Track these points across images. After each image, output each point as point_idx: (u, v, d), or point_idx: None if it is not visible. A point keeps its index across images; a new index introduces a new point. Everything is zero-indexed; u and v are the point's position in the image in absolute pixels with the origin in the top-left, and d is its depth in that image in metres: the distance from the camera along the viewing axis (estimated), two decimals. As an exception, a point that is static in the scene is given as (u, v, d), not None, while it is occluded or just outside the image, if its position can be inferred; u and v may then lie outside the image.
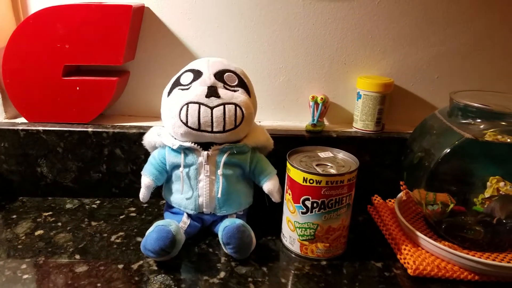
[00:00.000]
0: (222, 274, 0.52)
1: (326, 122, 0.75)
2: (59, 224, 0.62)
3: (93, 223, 0.63)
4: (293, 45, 0.70)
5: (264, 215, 0.64)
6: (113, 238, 0.59)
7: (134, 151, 0.67)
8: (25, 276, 0.50)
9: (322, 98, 0.69)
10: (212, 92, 0.54)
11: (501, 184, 0.56)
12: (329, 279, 0.52)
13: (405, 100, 0.73)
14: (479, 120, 0.54)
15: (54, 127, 0.66)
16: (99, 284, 0.49)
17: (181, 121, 0.54)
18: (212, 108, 0.53)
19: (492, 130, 0.53)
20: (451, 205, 0.57)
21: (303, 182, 0.53)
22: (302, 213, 0.54)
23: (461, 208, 0.58)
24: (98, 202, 0.69)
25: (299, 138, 0.69)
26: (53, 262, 0.53)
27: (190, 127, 0.54)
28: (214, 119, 0.53)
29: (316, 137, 0.69)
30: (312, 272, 0.53)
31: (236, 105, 0.54)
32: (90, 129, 0.66)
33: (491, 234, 0.56)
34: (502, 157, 0.56)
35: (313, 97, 0.69)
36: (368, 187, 0.71)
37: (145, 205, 0.69)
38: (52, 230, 0.61)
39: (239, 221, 0.54)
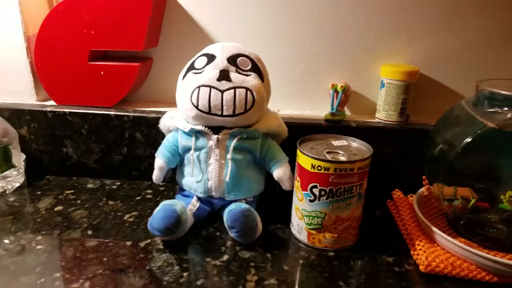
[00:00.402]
0: (225, 257, 0.52)
1: (348, 112, 0.73)
2: (78, 201, 0.65)
3: (110, 202, 0.65)
4: (314, 31, 0.69)
5: (276, 203, 0.63)
6: (126, 217, 0.61)
7: (153, 135, 0.69)
8: (38, 247, 0.53)
9: (342, 86, 0.67)
10: (223, 75, 0.54)
11: (532, 180, 0.52)
12: (335, 269, 0.50)
13: (433, 90, 0.69)
14: (506, 109, 0.50)
15: (79, 109, 0.69)
16: (105, 259, 0.51)
17: (192, 104, 0.54)
18: (222, 92, 0.53)
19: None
20: (473, 201, 0.53)
21: (311, 168, 0.51)
22: (310, 201, 0.53)
23: (485, 205, 0.54)
24: (118, 183, 0.72)
25: (316, 127, 0.67)
26: (66, 236, 0.56)
27: (200, 110, 0.54)
28: (224, 103, 0.53)
29: (334, 126, 0.67)
30: (318, 261, 0.52)
31: (247, 89, 0.54)
32: (112, 112, 0.69)
33: (516, 234, 0.51)
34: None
35: (332, 85, 0.67)
36: (389, 181, 0.68)
37: (161, 188, 0.70)
38: (71, 206, 0.63)
39: (244, 205, 0.54)
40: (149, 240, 0.55)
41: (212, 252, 0.53)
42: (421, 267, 0.49)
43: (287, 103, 0.74)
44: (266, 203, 0.63)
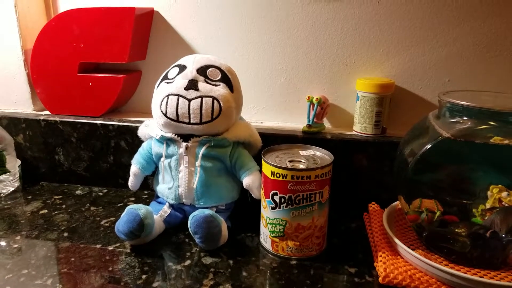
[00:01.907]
0: (187, 262, 0.53)
1: (328, 124, 0.73)
2: (63, 206, 0.68)
3: (92, 208, 0.68)
4: (293, 46, 0.70)
5: (249, 212, 0.64)
6: (103, 222, 0.63)
7: (137, 144, 0.71)
8: (15, 246, 0.56)
9: (317, 98, 0.67)
10: (191, 85, 0.56)
11: (504, 194, 0.50)
12: (292, 277, 0.50)
13: (411, 103, 0.69)
14: (466, 118, 0.49)
15: (69, 118, 0.73)
16: (72, 259, 0.53)
17: (161, 111, 0.56)
18: (190, 100, 0.55)
19: (481, 127, 0.48)
20: (438, 213, 0.52)
21: (271, 176, 0.52)
22: (272, 208, 0.53)
23: (453, 218, 0.53)
24: (105, 190, 0.75)
25: (293, 138, 0.68)
26: (43, 236, 0.59)
27: (169, 118, 0.56)
28: (191, 111, 0.55)
29: (311, 138, 0.67)
30: (278, 269, 0.52)
31: (214, 98, 0.56)
32: (99, 122, 0.72)
33: (481, 248, 0.50)
34: (499, 162, 0.50)
35: (308, 97, 0.68)
36: (367, 194, 0.67)
37: (144, 196, 0.72)
38: (55, 210, 0.67)
39: (208, 212, 0.55)
40: (118, 244, 0.57)
41: (176, 257, 0.54)
42: (379, 279, 0.49)
43: (271, 116, 0.75)
44: (239, 211, 0.63)
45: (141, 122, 0.71)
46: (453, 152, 0.51)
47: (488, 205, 0.51)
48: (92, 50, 0.69)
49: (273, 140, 0.66)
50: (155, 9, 0.72)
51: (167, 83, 0.58)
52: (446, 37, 0.65)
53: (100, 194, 0.73)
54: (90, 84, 0.71)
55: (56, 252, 0.55)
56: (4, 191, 0.72)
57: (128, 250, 0.55)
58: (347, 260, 0.54)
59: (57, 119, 0.73)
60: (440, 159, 0.50)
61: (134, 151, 0.71)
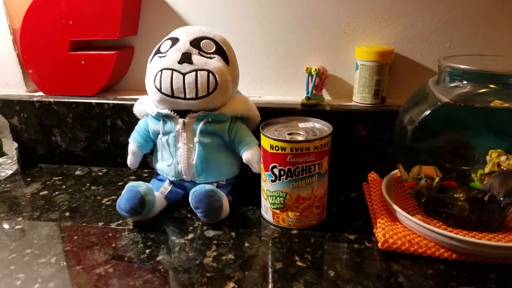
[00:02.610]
0: (190, 236, 0.54)
1: (327, 96, 0.73)
2: (64, 187, 0.68)
3: (93, 188, 0.68)
4: (290, 15, 0.69)
5: (250, 186, 0.64)
6: (104, 200, 0.63)
7: (134, 122, 0.70)
8: (17, 227, 0.56)
9: (316, 69, 0.66)
10: (185, 58, 0.55)
11: (503, 158, 0.51)
12: (293, 246, 0.51)
13: (411, 71, 0.68)
14: (466, 83, 0.49)
15: (63, 98, 0.72)
16: (75, 237, 0.54)
17: (156, 87, 0.55)
18: (184, 74, 0.54)
19: (481, 91, 0.48)
20: (437, 179, 0.52)
21: (270, 149, 0.52)
22: (272, 181, 0.54)
23: (452, 183, 0.53)
24: (104, 170, 0.75)
25: (291, 111, 0.67)
26: (44, 217, 0.59)
27: (163, 93, 0.55)
28: (186, 86, 0.54)
29: (310, 111, 0.67)
30: (279, 239, 0.53)
31: (209, 71, 0.55)
32: (93, 101, 0.71)
33: (479, 212, 0.50)
34: (499, 126, 0.50)
35: (307, 68, 0.67)
36: (367, 163, 0.68)
37: (145, 174, 0.72)
38: (55, 191, 0.67)
39: (209, 187, 0.55)
40: (121, 221, 0.57)
41: (179, 232, 0.55)
42: (379, 244, 0.49)
43: (269, 89, 0.74)
44: (241, 186, 0.64)
45: (136, 99, 0.71)
46: (452, 118, 0.51)
47: (487, 170, 0.51)
48: (82, 26, 0.68)
49: (272, 114, 0.65)
50: (144, -18, 0.70)
51: (160, 57, 0.57)
52: (445, 2, 0.64)
53: (100, 174, 0.73)
54: (82, 62, 0.70)
55: (59, 231, 0.55)
56: (2, 174, 0.72)
57: (131, 227, 0.56)
58: (347, 228, 0.55)
59: (51, 99, 0.72)
60: (439, 125, 0.50)
61: (132, 129, 0.71)
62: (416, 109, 0.54)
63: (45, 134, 0.75)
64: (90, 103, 0.71)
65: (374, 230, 0.53)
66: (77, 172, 0.74)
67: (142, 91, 0.77)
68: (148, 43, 0.75)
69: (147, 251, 0.50)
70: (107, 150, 0.74)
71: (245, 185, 0.64)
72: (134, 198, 0.53)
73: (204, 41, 0.57)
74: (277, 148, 0.51)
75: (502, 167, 0.50)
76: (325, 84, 0.70)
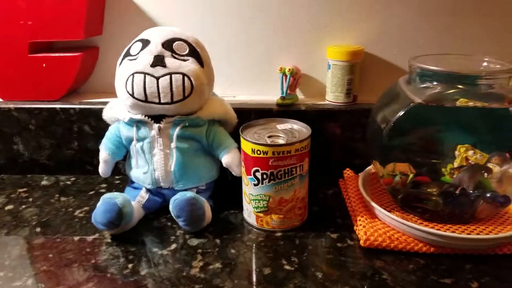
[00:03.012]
0: (173, 246, 0.52)
1: (301, 95, 0.73)
2: (30, 199, 0.64)
3: (62, 199, 0.65)
4: (260, 14, 0.68)
5: (229, 189, 0.64)
6: (76, 212, 0.61)
7: (103, 127, 0.67)
8: (-16, 247, 0.53)
9: (290, 69, 0.67)
10: (157, 61, 0.53)
11: (470, 152, 0.53)
12: (279, 249, 0.51)
13: (381, 69, 0.70)
14: (436, 83, 0.51)
15: (24, 104, 0.68)
16: (50, 255, 0.51)
17: (128, 92, 0.53)
18: (157, 78, 0.52)
19: (449, 92, 0.50)
20: (411, 175, 0.54)
21: (252, 153, 0.52)
22: (254, 185, 0.53)
23: (425, 179, 0.55)
24: (73, 179, 0.71)
25: (267, 111, 0.67)
26: (14, 234, 0.55)
27: (136, 98, 0.53)
28: (160, 90, 0.52)
29: (285, 111, 0.67)
30: (264, 243, 0.53)
31: (184, 74, 0.53)
32: (58, 106, 0.67)
33: (452, 205, 0.53)
34: (466, 123, 0.53)
35: (281, 68, 0.67)
36: (341, 161, 0.69)
37: (116, 181, 0.70)
38: (22, 205, 0.63)
39: (190, 194, 0.54)
40: (97, 235, 0.55)
41: (160, 242, 0.53)
42: (361, 242, 0.51)
43: (243, 89, 0.74)
44: (220, 189, 0.63)
45: (105, 103, 0.68)
46: (424, 116, 0.53)
47: (456, 164, 0.53)
48: (43, 27, 0.63)
49: (247, 115, 0.65)
50: (107, -20, 0.67)
51: (130, 60, 0.55)
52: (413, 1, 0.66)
53: (68, 183, 0.70)
54: (44, 65, 0.66)
55: (31, 249, 0.52)
56: (-41, 188, 0.67)
57: (109, 240, 0.54)
58: (328, 226, 0.56)
59: (11, 106, 0.68)
60: (412, 123, 0.52)
61: (100, 135, 0.68)
62: (388, 108, 0.56)
63: (5, 142, 0.70)
64: (54, 108, 0.67)
65: (355, 228, 0.54)
66: (43, 182, 0.70)
67: (109, 93, 0.74)
68: (114, 43, 0.71)
69: (130, 265, 0.49)
70: (75, 157, 0.71)
71: (224, 188, 0.63)
72: (111, 211, 0.51)
73: (176, 42, 0.55)
74: (258, 152, 0.51)
75: (470, 161, 0.53)
76: (299, 83, 0.70)
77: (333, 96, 0.68)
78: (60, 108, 0.67)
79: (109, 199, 0.52)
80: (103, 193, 0.65)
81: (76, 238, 0.54)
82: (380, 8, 0.67)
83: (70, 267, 0.49)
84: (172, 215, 0.55)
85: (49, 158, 0.71)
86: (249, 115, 0.65)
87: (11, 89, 0.68)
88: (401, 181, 0.55)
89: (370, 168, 0.65)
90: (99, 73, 0.74)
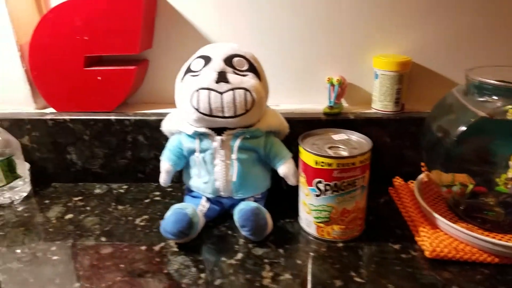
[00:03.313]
0: (239, 256, 0.54)
1: (345, 104, 0.74)
2: (88, 208, 0.66)
3: (120, 207, 0.66)
4: (306, 24, 0.69)
5: (283, 198, 0.65)
6: (137, 221, 0.62)
7: (156, 137, 0.70)
8: (55, 258, 0.54)
9: (338, 79, 0.68)
10: (221, 77, 0.54)
11: (526, 162, 0.54)
12: (345, 260, 0.53)
13: (426, 78, 0.71)
14: (495, 97, 0.52)
15: (80, 116, 0.69)
16: (122, 265, 0.52)
17: (193, 107, 0.55)
18: (222, 94, 0.54)
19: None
20: (471, 186, 0.55)
21: (315, 165, 0.53)
22: (316, 195, 0.55)
23: (482, 189, 0.56)
24: (125, 187, 0.73)
25: (316, 121, 0.68)
26: (80, 244, 0.57)
27: (202, 113, 0.55)
28: (224, 104, 0.54)
29: (333, 120, 0.68)
30: (328, 253, 0.54)
31: (245, 89, 0.54)
32: (113, 117, 0.69)
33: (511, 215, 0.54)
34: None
35: (329, 78, 0.68)
36: (389, 169, 0.70)
37: (169, 189, 0.71)
38: (81, 214, 0.65)
39: (254, 204, 0.56)
40: (163, 244, 0.56)
41: (226, 251, 0.55)
42: (427, 253, 0.52)
43: (285, 97, 0.75)
44: (273, 197, 0.64)
45: (157, 114, 0.70)
46: (485, 129, 0.53)
47: (510, 174, 0.54)
48: (99, 42, 0.65)
49: (295, 123, 0.66)
50: (159, -7, 0.68)
51: (193, 76, 0.56)
52: (458, 12, 0.67)
53: (122, 191, 0.71)
54: (99, 78, 0.67)
55: (102, 259, 0.54)
56: (17, 197, 0.69)
57: (176, 249, 0.55)
58: (387, 236, 0.57)
59: (66, 117, 0.69)
60: (475, 137, 0.53)
61: (154, 144, 0.70)
62: (446, 119, 0.57)
63: (59, 152, 0.72)
64: (109, 119, 0.69)
65: (417, 238, 0.55)
66: (97, 191, 0.72)
67: (157, 103, 0.76)
68: (163, 56, 0.73)
69: (202, 275, 0.50)
70: (128, 166, 0.72)
71: (275, 197, 0.64)
72: (182, 221, 0.53)
73: (236, 58, 0.57)
74: (322, 164, 0.52)
75: (525, 172, 0.54)
76: (345, 93, 0.71)
77: (381, 105, 0.69)
78: (116, 119, 0.69)
79: (180, 209, 0.54)
80: (158, 201, 0.67)
81: (142, 248, 0.56)
82: (425, 18, 0.67)
83: (145, 277, 0.50)
84: (237, 224, 0.56)
85: (102, 167, 0.73)
86: (296, 124, 0.65)
87: (66, 101, 0.70)
88: (460, 191, 0.56)
89: (422, 177, 0.65)
90: (148, 84, 0.75)
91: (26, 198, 0.70)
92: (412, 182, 0.68)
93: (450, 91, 0.60)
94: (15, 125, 0.70)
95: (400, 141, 0.69)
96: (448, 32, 0.68)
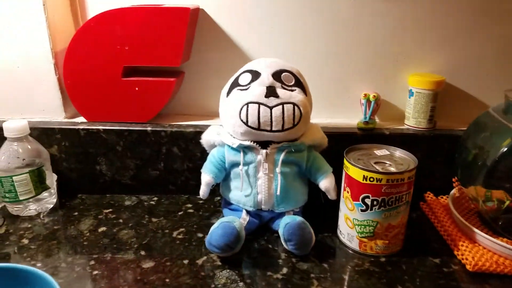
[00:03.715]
0: (284, 270, 0.54)
1: (377, 120, 0.75)
2: (120, 220, 0.65)
3: (154, 220, 0.65)
4: (343, 41, 0.71)
5: (319, 211, 0.65)
6: (174, 234, 0.61)
7: (191, 149, 0.69)
8: (95, 272, 0.53)
9: (374, 95, 0.69)
10: (271, 92, 0.55)
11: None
12: (390, 275, 0.53)
13: (456, 97, 0.73)
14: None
15: (114, 126, 0.69)
16: (167, 280, 0.52)
17: (241, 120, 0.55)
18: (271, 108, 0.54)
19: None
20: (507, 202, 0.57)
21: (363, 180, 0.54)
22: (362, 210, 0.55)
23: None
24: (155, 199, 0.72)
25: (351, 135, 0.69)
26: (119, 258, 0.56)
27: (250, 127, 0.55)
28: (273, 119, 0.55)
29: (368, 134, 0.69)
30: (372, 268, 0.54)
31: (294, 104, 0.55)
32: (149, 128, 0.68)
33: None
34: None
35: (365, 94, 0.70)
36: (419, 184, 0.71)
37: (201, 201, 0.71)
38: (115, 226, 0.63)
39: (299, 218, 0.56)
40: (205, 257, 0.56)
41: (270, 266, 0.54)
42: (468, 267, 0.53)
43: (317, 112, 0.75)
44: (309, 211, 0.64)
45: (193, 126, 0.70)
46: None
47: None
48: (140, 53, 0.65)
49: (331, 138, 0.66)
50: (200, 7, 0.69)
51: (241, 90, 0.57)
52: (489, 33, 0.69)
53: (152, 203, 0.70)
54: (137, 88, 0.67)
55: (145, 273, 0.53)
56: (43, 209, 0.67)
57: (219, 263, 0.55)
58: (426, 251, 0.58)
59: (100, 127, 0.68)
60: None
61: (188, 156, 0.70)
62: (483, 137, 0.59)
63: (88, 163, 0.71)
64: (145, 130, 0.68)
65: (456, 253, 0.56)
66: (127, 202, 0.71)
67: (190, 115, 0.76)
68: (198, 69, 0.73)
69: (252, 290, 0.50)
70: (159, 177, 0.72)
71: (310, 210, 0.64)
72: (230, 235, 0.53)
73: (284, 73, 0.58)
74: (371, 179, 0.53)
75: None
76: (379, 108, 0.72)
77: (415, 122, 0.70)
78: (152, 130, 0.68)
79: (228, 223, 0.53)
80: (192, 213, 0.67)
81: (185, 262, 0.55)
82: (459, 39, 0.70)
83: (194, 292, 0.50)
84: (282, 238, 0.56)
85: (132, 178, 0.72)
86: (332, 138, 0.66)
87: (99, 110, 0.69)
88: (497, 207, 0.58)
89: (454, 192, 0.67)
90: (182, 96, 0.75)
91: (53, 210, 0.68)
92: (442, 197, 0.69)
93: (486, 110, 0.62)
94: (44, 134, 0.69)
95: (431, 156, 0.70)
96: (482, 52, 0.71)
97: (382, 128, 0.71)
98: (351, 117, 0.74)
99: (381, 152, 0.60)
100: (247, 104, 0.55)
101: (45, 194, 0.67)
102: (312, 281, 0.52)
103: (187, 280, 0.52)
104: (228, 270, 0.53)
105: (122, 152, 0.70)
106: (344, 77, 0.73)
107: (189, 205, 0.69)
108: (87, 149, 0.70)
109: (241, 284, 0.51)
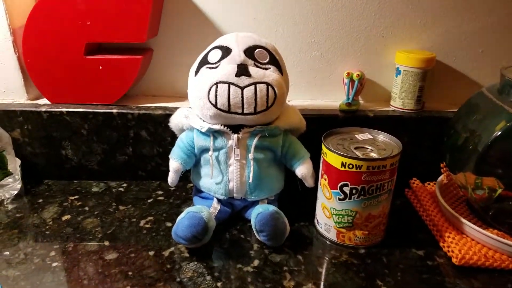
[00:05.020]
0: (256, 262, 0.50)
1: (361, 101, 0.71)
2: (86, 208, 0.61)
3: (121, 207, 0.61)
4: (326, 17, 0.65)
5: (296, 200, 0.62)
6: (142, 223, 0.58)
7: (160, 133, 0.65)
8: (54, 264, 0.49)
9: (358, 74, 0.64)
10: (242, 70, 0.50)
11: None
12: (369, 268, 0.50)
13: (447, 76, 0.68)
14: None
15: (78, 108, 0.64)
16: (130, 273, 0.48)
17: (210, 102, 0.50)
18: (242, 88, 0.50)
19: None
20: (499, 190, 0.53)
21: (341, 167, 0.49)
22: (340, 199, 0.51)
23: (509, 193, 0.54)
24: (124, 185, 0.68)
25: (332, 118, 0.65)
26: (81, 249, 0.52)
27: (219, 109, 0.50)
28: (245, 100, 0.50)
29: (351, 117, 0.65)
30: (350, 260, 0.51)
31: (268, 84, 0.50)
32: (114, 110, 0.64)
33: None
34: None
35: (348, 73, 0.65)
36: (405, 169, 0.67)
37: (172, 188, 0.67)
38: (80, 215, 0.59)
39: (272, 208, 0.52)
40: (172, 248, 0.52)
41: (241, 257, 0.51)
42: (455, 260, 0.49)
43: (298, 93, 0.71)
44: (285, 199, 0.61)
45: (163, 108, 0.65)
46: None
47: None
48: (102, 28, 0.59)
49: (311, 121, 0.62)
50: (168, -23, 0.63)
51: (210, 68, 0.52)
52: (482, 7, 0.64)
53: (121, 189, 0.66)
54: (101, 67, 0.62)
55: (107, 266, 0.49)
56: (7, 195, 0.63)
57: (187, 255, 0.51)
58: (410, 242, 0.54)
59: (63, 109, 0.64)
60: (509, 138, 0.50)
61: (157, 140, 0.66)
62: (475, 120, 0.54)
63: (53, 147, 0.66)
64: (111, 113, 0.64)
65: (442, 244, 0.53)
66: (94, 189, 0.66)
67: (159, 96, 0.71)
68: (168, 45, 0.68)
69: (219, 284, 0.46)
70: (128, 163, 0.67)
71: (287, 198, 0.61)
72: (197, 226, 0.49)
73: (257, 50, 0.52)
74: (350, 166, 0.49)
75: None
76: (363, 88, 0.68)
77: (401, 103, 0.66)
78: (118, 112, 0.63)
79: (195, 213, 0.49)
80: (162, 201, 0.63)
81: (151, 253, 0.51)
82: (447, 14, 0.64)
83: (155, 286, 0.46)
84: (253, 228, 0.52)
85: (99, 163, 0.68)
86: (312, 121, 0.62)
87: (62, 91, 0.64)
88: (488, 195, 0.54)
89: (442, 178, 0.63)
90: (151, 75, 0.70)
91: (17, 196, 0.64)
92: (429, 184, 0.66)
93: (479, 90, 0.57)
94: (5, 117, 0.64)
95: (419, 140, 0.66)
96: (469, 29, 0.65)
97: (366, 110, 0.66)
98: (335, 99, 0.69)
99: (363, 136, 0.55)
100: (216, 84, 0.50)
101: (9, 180, 0.63)
102: (285, 275, 0.48)
103: (151, 274, 0.48)
104: (195, 263, 0.50)
105: (87, 136, 0.65)
106: (326, 54, 0.68)
107: (160, 192, 0.65)
108: (50, 133, 0.65)
109: (208, 277, 0.47)
